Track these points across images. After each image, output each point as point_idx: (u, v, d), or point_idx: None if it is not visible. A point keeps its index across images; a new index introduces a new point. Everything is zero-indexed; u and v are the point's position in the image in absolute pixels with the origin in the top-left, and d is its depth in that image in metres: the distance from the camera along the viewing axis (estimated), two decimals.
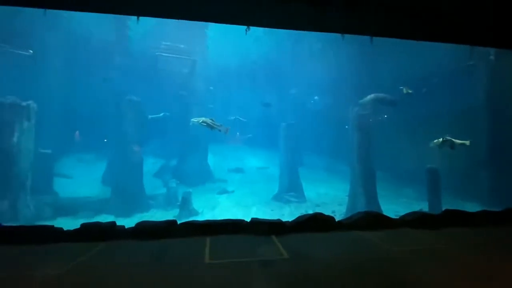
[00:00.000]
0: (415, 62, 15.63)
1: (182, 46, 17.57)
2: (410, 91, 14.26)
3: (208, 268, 2.84)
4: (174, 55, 17.52)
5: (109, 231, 3.75)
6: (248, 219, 4.24)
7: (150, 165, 17.81)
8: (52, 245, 3.51)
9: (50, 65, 17.05)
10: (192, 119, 11.66)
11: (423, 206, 11.72)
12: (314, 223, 4.13)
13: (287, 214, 12.52)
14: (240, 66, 21.27)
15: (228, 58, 20.66)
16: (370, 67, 17.16)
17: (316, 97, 21.95)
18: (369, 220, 4.38)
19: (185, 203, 12.75)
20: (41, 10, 4.29)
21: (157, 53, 17.49)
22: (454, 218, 4.60)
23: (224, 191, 16.09)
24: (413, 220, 4.47)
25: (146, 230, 3.77)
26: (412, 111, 16.26)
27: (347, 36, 4.43)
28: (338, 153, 19.04)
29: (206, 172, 18.07)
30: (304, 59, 19.70)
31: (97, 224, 3.87)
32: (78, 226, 3.93)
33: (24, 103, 10.65)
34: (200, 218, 11.62)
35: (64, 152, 17.14)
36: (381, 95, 15.72)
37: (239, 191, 16.42)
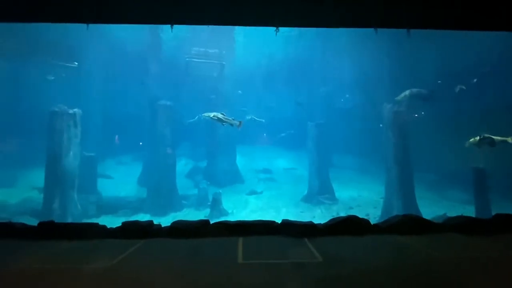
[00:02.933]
0: (456, 54, 14.45)
1: (211, 50, 18.06)
2: (463, 87, 13.14)
3: (242, 268, 2.87)
4: (203, 60, 18.08)
5: (148, 230, 3.96)
6: (278, 220, 4.22)
7: (182, 166, 18.54)
8: (98, 241, 3.80)
9: (92, 75, 18.57)
10: (203, 114, 11.43)
11: (466, 210, 10.75)
12: (349, 226, 3.99)
13: (318, 216, 12.23)
14: (268, 67, 21.29)
15: (256, 60, 20.80)
16: (406, 62, 16.18)
17: (347, 95, 21.15)
18: (408, 224, 4.13)
19: (216, 203, 13.06)
20: (84, 25, 4.70)
21: (187, 59, 18.17)
22: (508, 223, 4.15)
23: (253, 192, 16.20)
24: (459, 225, 4.12)
25: (181, 229, 3.92)
26: (455, 107, 15.02)
27: (380, 30, 4.22)
28: (371, 153, 18.19)
29: (234, 173, 18.35)
30: (333, 56, 19.14)
31: (137, 223, 4.11)
32: (119, 224, 4.21)
33: (71, 111, 11.68)
34: (230, 218, 11.82)
35: (106, 155, 18.49)
36: (416, 90, 14.73)
37: (268, 192, 16.42)
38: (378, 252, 3.35)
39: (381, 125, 12.88)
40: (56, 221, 4.45)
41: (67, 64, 17.80)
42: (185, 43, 17.74)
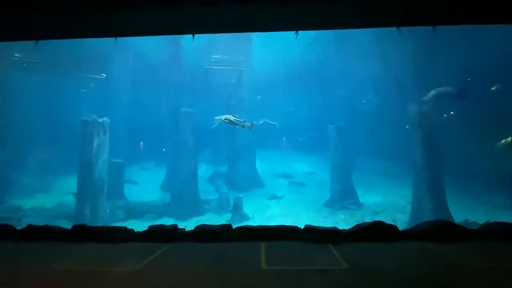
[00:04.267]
0: (486, 50, 13.59)
1: (229, 57, 18.39)
2: (500, 86, 12.36)
3: (265, 274, 2.85)
4: (222, 67, 18.44)
5: (173, 233, 4.06)
6: (299, 226, 4.16)
7: (203, 171, 18.87)
8: (126, 244, 3.95)
9: (119, 85, 19.57)
10: (215, 117, 11.30)
11: (503, 215, 9.94)
12: (375, 232, 3.84)
13: (341, 221, 11.90)
14: (287, 72, 21.29)
15: (274, 65, 20.90)
16: (431, 59, 15.45)
17: (369, 96, 20.48)
18: (440, 230, 3.90)
19: (237, 208, 13.13)
20: (112, 39, 4.99)
21: (207, 67, 18.63)
22: None
23: (273, 197, 16.11)
24: (496, 232, 3.83)
25: (204, 233, 3.99)
26: (488, 105, 14.07)
27: (403, 28, 4.09)
28: (396, 156, 17.47)
29: (254, 178, 18.38)
30: (353, 57, 18.74)
31: (162, 227, 4.23)
32: (145, 228, 4.36)
33: (100, 120, 12.36)
34: (251, 223, 11.80)
35: (131, 161, 19.29)
36: (444, 88, 14.00)
37: (288, 196, 16.25)
38: (408, 260, 3.18)
39: (407, 127, 12.36)
40: (87, 224, 4.69)
41: (96, 76, 18.90)
42: (205, 51, 18.23)
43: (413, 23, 3.84)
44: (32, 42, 5.03)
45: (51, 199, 14.32)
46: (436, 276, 2.76)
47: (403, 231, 4.02)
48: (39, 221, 11.21)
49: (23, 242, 4.05)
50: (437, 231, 3.88)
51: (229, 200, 14.32)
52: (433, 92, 13.03)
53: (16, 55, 15.41)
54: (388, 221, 4.15)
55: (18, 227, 4.53)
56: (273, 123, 16.90)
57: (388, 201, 14.43)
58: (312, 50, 19.10)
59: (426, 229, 3.92)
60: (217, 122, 11.49)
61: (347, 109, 19.81)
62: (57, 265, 3.15)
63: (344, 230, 4.08)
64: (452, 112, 16.04)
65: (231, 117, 10.88)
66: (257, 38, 18.27)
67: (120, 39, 4.93)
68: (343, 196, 14.09)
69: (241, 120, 10.95)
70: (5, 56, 14.57)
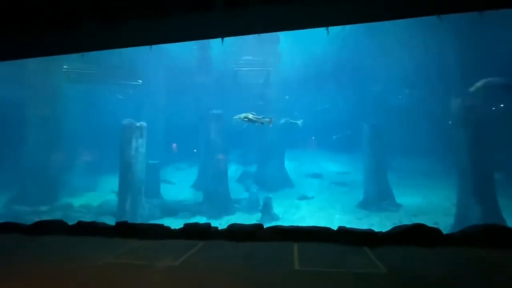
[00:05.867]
0: None
1: (257, 58, 18.51)
2: None
3: (300, 275, 2.82)
4: (250, 68, 18.63)
5: (207, 231, 4.19)
6: (331, 227, 4.05)
7: (233, 171, 19.21)
8: (163, 241, 4.16)
9: (153, 90, 20.70)
10: (234, 117, 11.36)
11: None
12: (416, 235, 3.60)
13: (377, 224, 11.34)
14: (316, 70, 20.86)
15: (302, 64, 20.60)
16: (478, 48, 14.07)
17: (406, 91, 19.22)
18: (490, 235, 3.54)
19: (266, 208, 13.16)
20: (147, 47, 5.29)
21: (235, 68, 18.95)
22: None
23: (303, 197, 15.87)
24: None
25: (237, 232, 4.06)
26: None
27: (444, 16, 3.78)
28: (436, 154, 16.22)
29: (284, 178, 18.27)
30: (387, 50, 17.75)
31: (197, 225, 4.39)
32: (180, 225, 4.56)
33: (138, 124, 13.17)
34: (281, 223, 11.73)
35: (166, 162, 20.29)
36: (493, 79, 12.66)
37: (319, 197, 15.89)
38: (454, 267, 2.94)
39: (450, 122, 11.39)
40: (129, 221, 5.03)
41: (133, 83, 20.20)
42: (233, 54, 18.56)
43: (456, 9, 3.53)
44: (79, 54, 5.53)
45: (97, 197, 15.60)
46: (485, 285, 2.51)
47: (448, 235, 3.72)
48: (87, 218, 12.26)
49: (74, 236, 4.46)
50: (488, 236, 3.52)
51: (258, 200, 14.41)
52: (480, 83, 11.86)
53: (65, 66, 17.04)
54: (430, 224, 3.87)
55: (70, 223, 5.01)
56: (296, 121, 16.43)
57: (428, 203, 13.45)
58: (343, 45, 18.47)
59: (475, 234, 3.59)
60: (246, 125, 11.63)
61: (381, 105, 18.83)
62: (105, 258, 3.42)
63: (381, 232, 3.89)
64: (502, 105, 14.50)
65: (249, 115, 11.00)
66: (285, 38, 18.13)
67: (153, 46, 5.22)
68: (379, 197, 13.41)
69: (259, 116, 11.00)
70: (55, 68, 16.16)
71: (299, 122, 16.33)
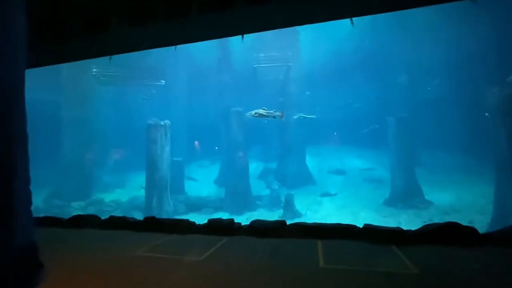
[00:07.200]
0: None
1: (276, 54, 18.35)
2: None
3: (325, 273, 2.77)
4: (270, 64, 18.51)
5: (230, 227, 4.25)
6: (356, 225, 3.93)
7: (254, 168, 19.33)
8: (188, 236, 4.28)
9: (176, 90, 21.28)
10: (246, 114, 11.58)
11: None
12: (448, 234, 3.41)
13: (404, 222, 10.89)
14: (338, 63, 20.28)
15: (324, 58, 20.12)
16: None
17: (436, 81, 18.03)
18: None
19: (288, 204, 13.11)
20: (171, 48, 5.42)
21: (255, 65, 18.93)
22: None
23: (326, 194, 15.62)
24: None
25: (260, 228, 4.08)
26: None
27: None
28: (470, 149, 15.17)
29: (305, 174, 18.07)
30: (414, 39, 16.76)
31: (220, 221, 4.46)
32: (203, 221, 4.66)
33: (162, 122, 13.64)
34: (303, 219, 11.66)
35: (190, 159, 20.86)
36: None
37: (342, 194, 15.54)
38: (494, 269, 2.74)
39: (486, 114, 10.57)
40: (156, 216, 5.24)
41: (157, 83, 20.90)
42: (252, 50, 18.54)
43: None
44: (107, 57, 5.80)
45: (126, 193, 16.43)
46: None
47: (485, 235, 3.48)
48: (117, 212, 12.96)
49: (106, 230, 4.73)
50: None
51: (280, 197, 14.39)
52: None
53: (94, 70, 18.01)
54: (463, 222, 3.63)
55: (102, 217, 5.32)
56: (310, 116, 16.07)
57: (462, 200, 12.66)
58: (366, 36, 17.76)
59: None
60: (266, 121, 11.79)
61: (409, 97, 17.88)
62: (133, 251, 3.60)
63: (410, 230, 3.72)
64: None
65: (261, 111, 11.17)
66: (304, 31, 17.77)
67: (180, 47, 5.34)
68: (406, 194, 12.86)
69: (271, 111, 11.11)
70: (85, 72, 17.13)
71: (312, 117, 16.05)
